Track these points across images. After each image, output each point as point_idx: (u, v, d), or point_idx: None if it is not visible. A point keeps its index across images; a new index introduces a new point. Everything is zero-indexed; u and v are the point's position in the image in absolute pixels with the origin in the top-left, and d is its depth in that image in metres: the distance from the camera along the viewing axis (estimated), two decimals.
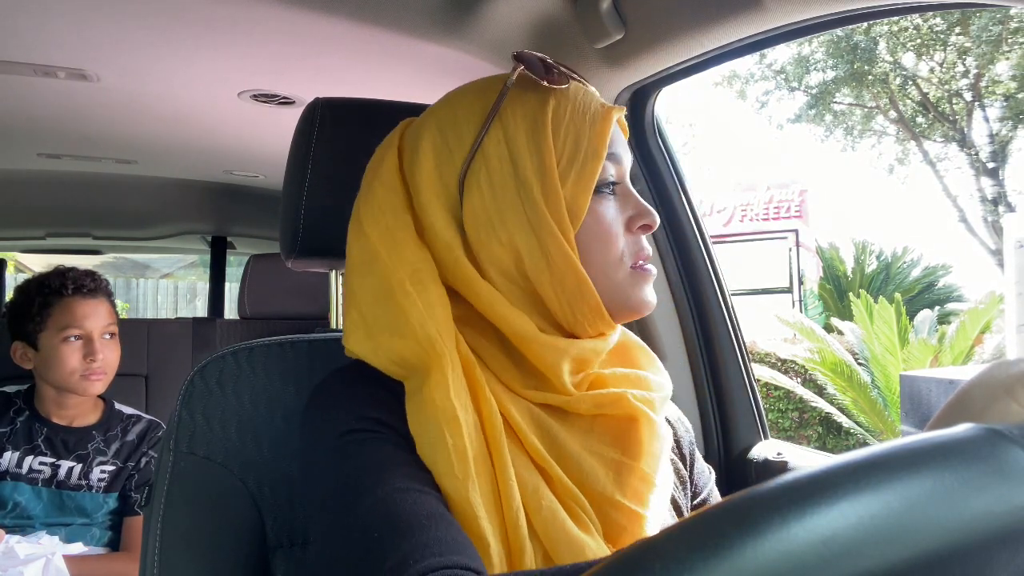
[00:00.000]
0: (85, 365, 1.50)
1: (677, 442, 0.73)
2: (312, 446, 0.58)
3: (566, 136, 0.60)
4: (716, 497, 0.75)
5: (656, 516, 0.59)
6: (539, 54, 0.62)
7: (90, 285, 1.56)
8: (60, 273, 1.56)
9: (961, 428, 0.26)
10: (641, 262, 0.63)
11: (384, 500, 0.50)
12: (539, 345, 0.59)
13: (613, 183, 0.62)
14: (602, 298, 0.60)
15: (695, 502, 0.72)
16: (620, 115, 0.64)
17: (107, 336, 1.56)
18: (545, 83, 0.60)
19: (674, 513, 0.67)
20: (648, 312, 0.64)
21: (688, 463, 0.73)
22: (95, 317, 1.54)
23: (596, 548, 0.54)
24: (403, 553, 0.46)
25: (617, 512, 0.57)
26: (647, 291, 0.63)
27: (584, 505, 0.56)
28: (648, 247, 0.64)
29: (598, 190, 0.60)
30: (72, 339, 1.51)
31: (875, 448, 0.25)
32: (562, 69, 0.62)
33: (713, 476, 0.76)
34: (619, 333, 0.66)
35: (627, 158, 0.64)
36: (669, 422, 0.73)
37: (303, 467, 0.59)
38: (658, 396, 0.64)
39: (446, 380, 0.55)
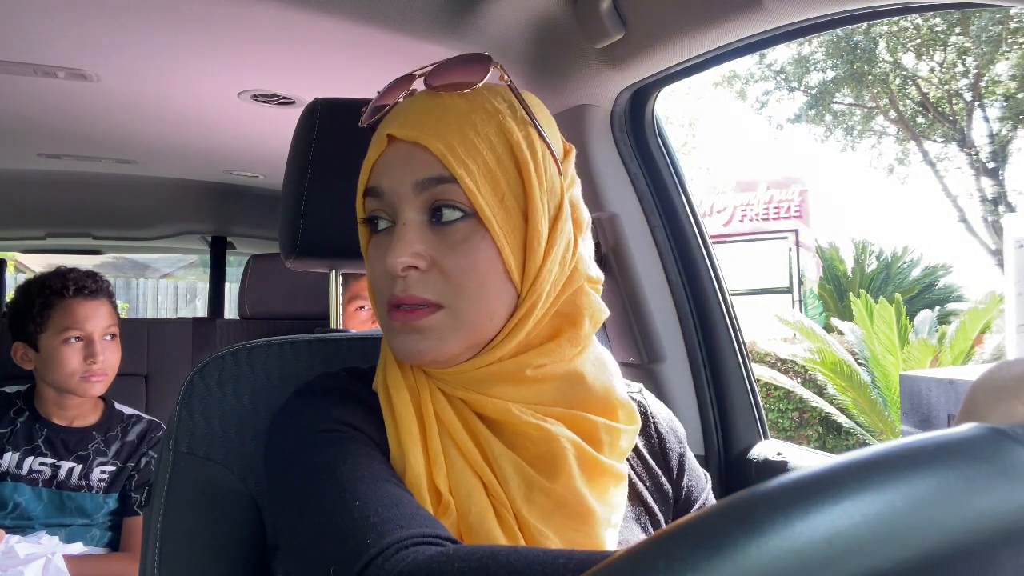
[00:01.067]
0: (85, 367, 1.50)
1: (664, 454, 0.71)
2: (282, 441, 0.58)
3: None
4: (711, 503, 0.74)
5: (584, 542, 0.57)
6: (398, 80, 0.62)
7: (91, 286, 1.55)
8: (61, 274, 1.56)
9: (965, 427, 0.26)
10: (390, 305, 0.58)
11: (360, 479, 0.51)
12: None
13: (387, 220, 0.59)
14: None
15: (693, 508, 0.71)
16: (381, 146, 0.58)
17: (108, 337, 1.56)
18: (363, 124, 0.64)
19: (650, 524, 0.67)
20: (411, 361, 0.59)
21: (675, 475, 0.71)
22: (96, 319, 1.54)
23: None
24: (385, 517, 0.47)
25: (526, 528, 0.56)
26: (395, 338, 0.58)
27: (509, 509, 0.56)
28: (407, 289, 0.56)
29: (371, 227, 0.61)
30: (73, 340, 1.50)
31: (878, 447, 0.25)
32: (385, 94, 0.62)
33: (708, 483, 0.74)
34: (493, 361, 0.60)
35: (401, 189, 0.57)
36: (659, 432, 0.71)
37: (269, 463, 0.59)
38: (606, 436, 0.60)
39: (402, 396, 0.59)
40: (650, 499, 0.68)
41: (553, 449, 0.58)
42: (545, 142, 0.60)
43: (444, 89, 0.59)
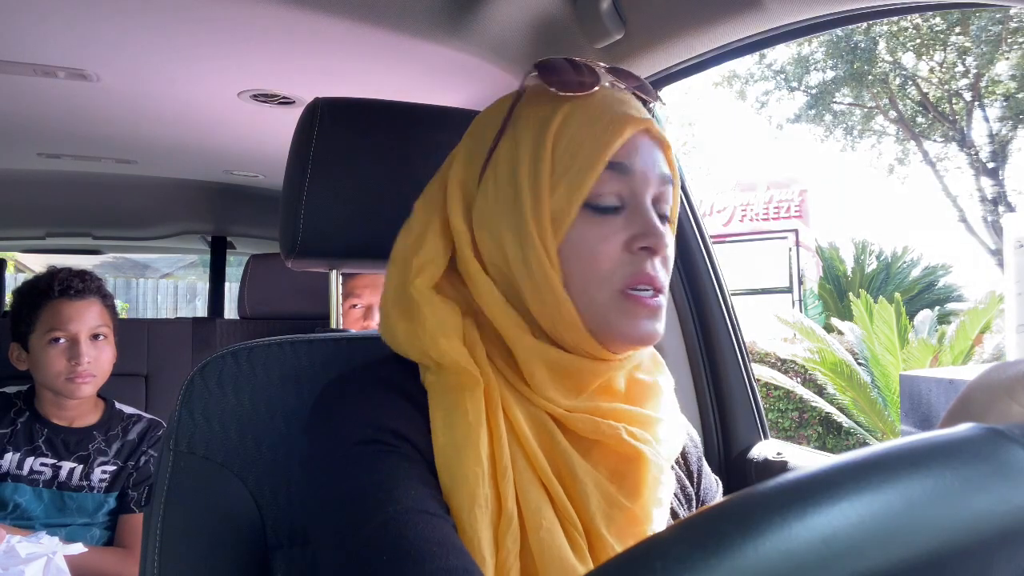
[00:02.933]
0: (70, 368, 1.48)
1: (684, 458, 0.72)
2: (322, 451, 0.56)
3: (568, 145, 0.58)
4: None
5: None
6: (574, 59, 0.61)
7: (77, 286, 1.54)
8: (49, 275, 1.55)
9: (962, 428, 0.26)
10: (635, 287, 0.57)
11: (394, 520, 0.48)
12: (522, 346, 0.58)
13: (618, 196, 0.58)
14: (584, 319, 0.57)
15: None
16: (643, 127, 0.59)
17: (99, 338, 1.55)
18: (556, 91, 0.59)
19: None
20: (643, 346, 0.59)
21: (695, 479, 0.71)
22: (81, 319, 1.52)
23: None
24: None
25: (601, 546, 0.55)
26: (638, 322, 0.57)
27: (579, 528, 0.55)
28: (652, 273, 0.58)
29: (594, 204, 0.57)
30: (58, 341, 1.49)
31: (876, 448, 0.25)
32: (601, 73, 0.61)
33: (720, 488, 0.74)
34: (631, 365, 0.62)
35: (651, 172, 0.59)
36: (688, 435, 0.72)
37: (309, 470, 0.57)
38: (664, 446, 0.61)
39: (476, 397, 0.56)
40: (676, 505, 0.68)
41: (635, 468, 0.58)
42: None
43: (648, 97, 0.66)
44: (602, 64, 0.63)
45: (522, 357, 0.58)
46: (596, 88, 0.60)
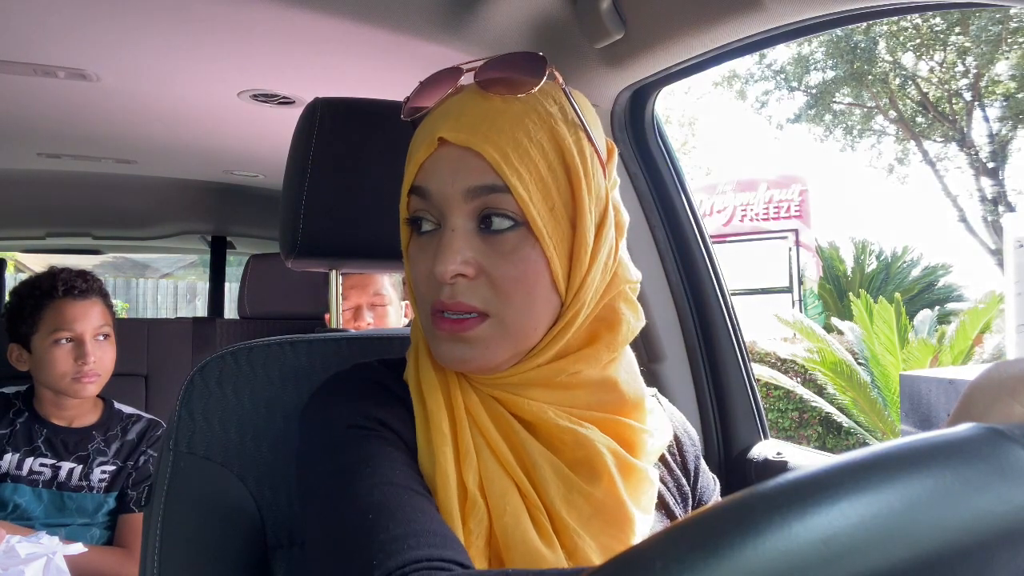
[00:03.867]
0: (76, 367, 1.48)
1: (682, 456, 0.71)
2: (313, 434, 0.58)
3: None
4: None
5: (619, 548, 0.55)
6: (443, 71, 0.60)
7: (81, 286, 1.54)
8: (51, 275, 1.55)
9: (962, 427, 0.26)
10: (435, 310, 0.56)
11: (379, 488, 0.51)
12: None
13: (432, 219, 0.57)
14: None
15: None
16: (431, 148, 0.56)
17: (100, 337, 1.55)
18: (404, 117, 0.62)
19: None
20: (456, 368, 0.58)
21: (692, 478, 0.71)
22: (86, 319, 1.52)
23: (554, 559, 0.53)
24: (395, 535, 0.47)
25: (563, 528, 0.55)
26: (440, 345, 0.57)
27: (545, 515, 0.56)
28: (447, 299, 0.55)
29: (414, 227, 0.59)
30: (63, 341, 1.49)
31: (876, 448, 0.25)
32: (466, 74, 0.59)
33: (718, 488, 0.74)
34: (534, 368, 0.59)
35: (449, 189, 0.55)
36: (676, 436, 0.71)
37: (300, 454, 0.59)
38: (640, 439, 0.61)
39: (436, 393, 0.59)
40: (672, 503, 0.68)
41: (590, 454, 0.57)
42: (593, 146, 0.59)
43: (497, 90, 0.56)
44: (478, 60, 0.59)
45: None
46: (432, 106, 0.59)
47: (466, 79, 0.59)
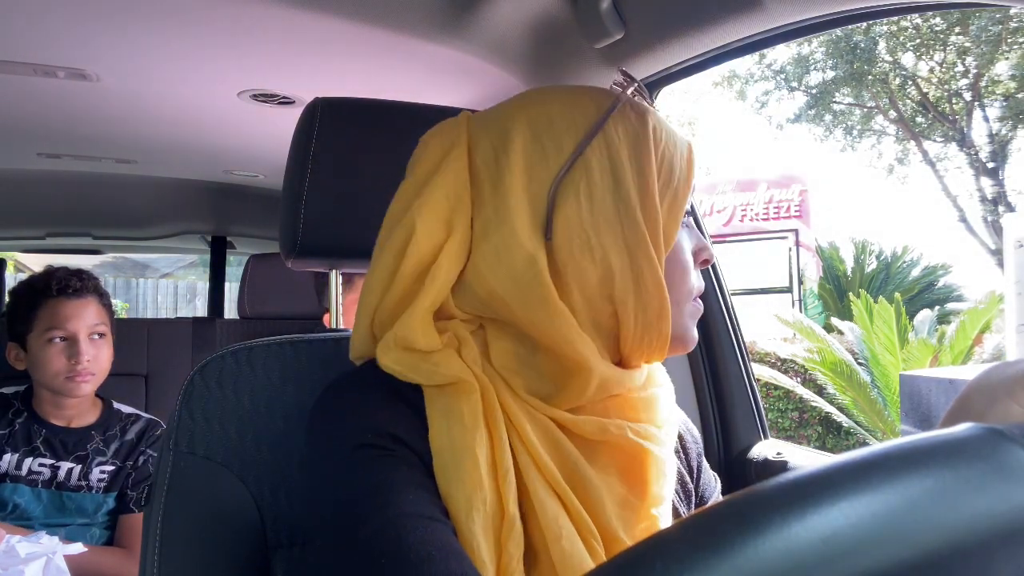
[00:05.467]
0: (70, 366, 1.48)
1: (685, 453, 0.71)
2: (320, 455, 0.56)
3: (662, 160, 0.59)
4: None
5: None
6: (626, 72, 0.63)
7: (75, 285, 1.53)
8: (46, 274, 1.54)
9: (961, 427, 0.26)
10: (699, 295, 0.63)
11: (393, 524, 0.48)
12: (597, 376, 0.56)
13: (688, 214, 0.62)
14: (672, 326, 0.60)
15: None
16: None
17: (96, 336, 1.54)
18: (642, 102, 0.61)
19: None
20: (692, 348, 0.64)
21: (695, 475, 0.71)
22: (79, 318, 1.51)
23: None
24: None
25: (618, 550, 0.53)
26: (695, 327, 0.63)
27: (596, 535, 0.53)
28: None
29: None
30: (56, 340, 1.49)
31: (875, 447, 0.25)
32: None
33: (719, 485, 0.74)
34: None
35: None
36: (680, 436, 0.71)
37: (309, 475, 0.57)
38: (663, 431, 0.61)
39: (472, 401, 0.54)
40: (677, 501, 0.68)
41: (640, 465, 0.58)
42: None
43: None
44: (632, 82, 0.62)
45: (580, 379, 0.56)
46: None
47: None
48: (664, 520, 0.58)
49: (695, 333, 0.63)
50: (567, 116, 0.58)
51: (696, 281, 0.63)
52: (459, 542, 0.50)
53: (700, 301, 0.63)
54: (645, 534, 0.54)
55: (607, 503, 0.54)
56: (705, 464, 0.74)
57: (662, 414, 0.62)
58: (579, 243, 0.56)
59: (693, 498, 0.70)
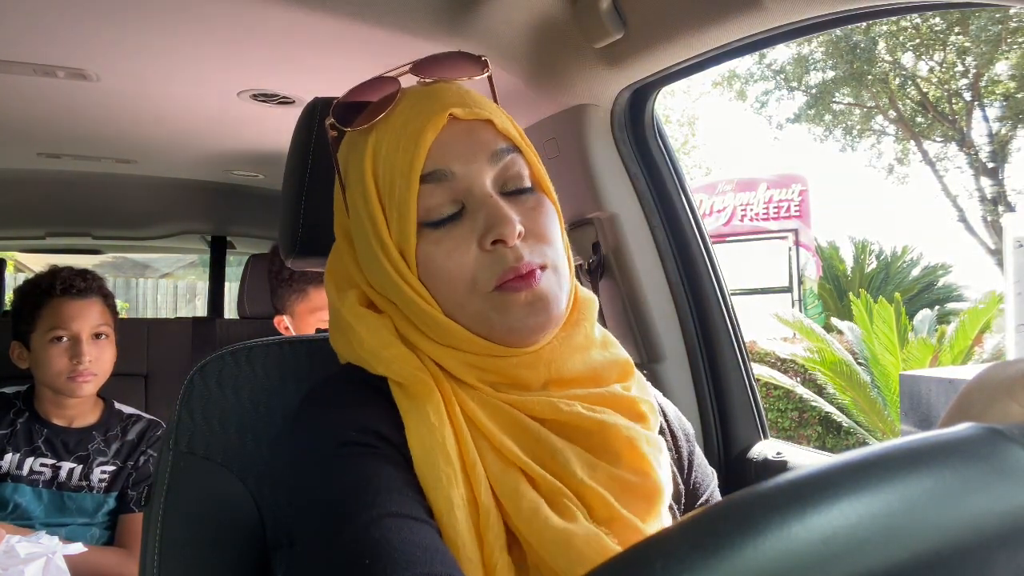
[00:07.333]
0: (72, 366, 1.48)
1: (677, 448, 0.70)
2: (305, 450, 0.56)
3: (384, 175, 0.58)
4: (717, 499, 0.72)
5: (653, 522, 0.56)
6: (367, 82, 0.63)
7: (80, 285, 1.54)
8: (51, 273, 1.55)
9: (961, 427, 0.26)
10: (506, 280, 0.56)
11: (377, 523, 0.48)
12: (452, 363, 0.59)
13: (452, 201, 0.57)
14: (471, 329, 0.57)
15: (698, 503, 0.70)
16: (445, 120, 0.57)
17: (100, 337, 1.55)
18: (353, 128, 0.61)
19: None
20: (537, 335, 0.58)
21: (685, 470, 0.70)
22: (83, 318, 1.52)
23: (584, 534, 0.51)
24: None
25: (596, 500, 0.54)
26: (518, 313, 0.56)
27: (567, 494, 0.54)
28: (515, 262, 0.55)
29: (429, 221, 0.57)
30: (59, 340, 1.49)
31: (875, 447, 0.25)
32: (403, 77, 0.62)
33: (715, 479, 0.74)
34: (572, 345, 0.61)
35: (475, 159, 0.57)
36: (670, 427, 0.71)
37: (293, 472, 0.57)
38: (626, 402, 0.61)
39: (435, 401, 0.56)
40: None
41: (607, 437, 0.57)
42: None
43: (436, 78, 0.62)
44: (404, 64, 0.62)
45: (454, 371, 0.58)
46: (396, 101, 0.60)
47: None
48: (665, 487, 0.58)
49: (509, 321, 0.56)
50: (336, 165, 0.66)
51: (487, 268, 0.56)
52: (444, 541, 0.50)
53: (521, 281, 0.56)
54: (629, 496, 0.55)
55: (574, 463, 0.55)
56: (699, 459, 0.73)
57: (633, 407, 0.61)
58: (368, 275, 0.61)
59: (682, 496, 0.68)
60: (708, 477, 0.73)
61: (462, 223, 0.57)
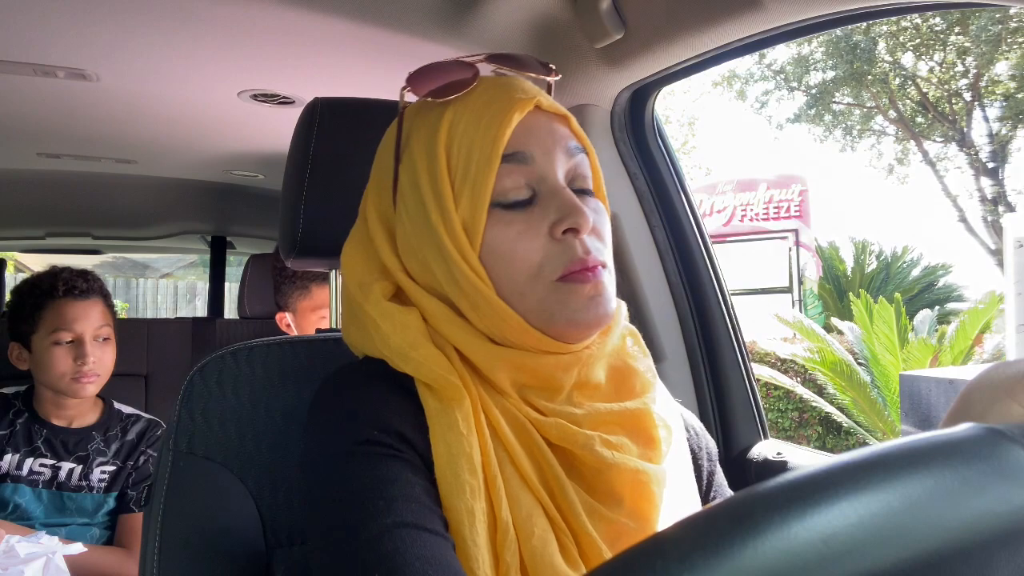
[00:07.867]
0: (75, 368, 1.48)
1: (697, 466, 0.68)
2: (322, 447, 0.54)
3: (459, 150, 0.57)
4: None
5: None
6: (446, 61, 0.60)
7: (82, 286, 1.53)
8: (52, 274, 1.54)
9: (962, 427, 0.26)
10: (573, 271, 0.55)
11: (391, 533, 0.47)
12: (482, 356, 0.57)
13: (527, 187, 0.57)
14: (528, 318, 0.56)
15: None
16: (531, 107, 0.58)
17: (102, 338, 1.55)
18: (433, 99, 0.59)
19: None
20: (593, 330, 0.57)
21: (703, 491, 0.68)
22: (86, 319, 1.52)
23: None
24: None
25: (589, 543, 0.53)
26: (580, 306, 0.55)
27: (567, 533, 0.53)
28: (583, 254, 0.56)
29: (502, 202, 0.56)
30: (62, 342, 1.49)
31: (876, 447, 0.25)
32: (480, 64, 0.61)
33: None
34: (605, 351, 0.60)
35: (554, 150, 0.58)
36: (693, 446, 0.69)
37: (308, 467, 0.55)
38: (650, 449, 0.59)
39: (464, 407, 0.54)
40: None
41: (613, 479, 0.55)
42: None
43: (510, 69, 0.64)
44: (480, 54, 0.62)
45: (485, 367, 0.57)
46: (475, 83, 0.59)
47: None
48: (644, 530, 0.56)
49: (570, 313, 0.55)
50: (387, 140, 0.64)
51: (554, 256, 0.55)
52: (459, 556, 0.49)
53: (586, 272, 0.55)
54: (627, 542, 0.53)
55: (579, 506, 0.54)
56: (720, 480, 0.70)
57: (649, 431, 0.59)
58: (413, 255, 0.60)
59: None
60: (725, 492, 0.71)
61: (533, 210, 0.57)
